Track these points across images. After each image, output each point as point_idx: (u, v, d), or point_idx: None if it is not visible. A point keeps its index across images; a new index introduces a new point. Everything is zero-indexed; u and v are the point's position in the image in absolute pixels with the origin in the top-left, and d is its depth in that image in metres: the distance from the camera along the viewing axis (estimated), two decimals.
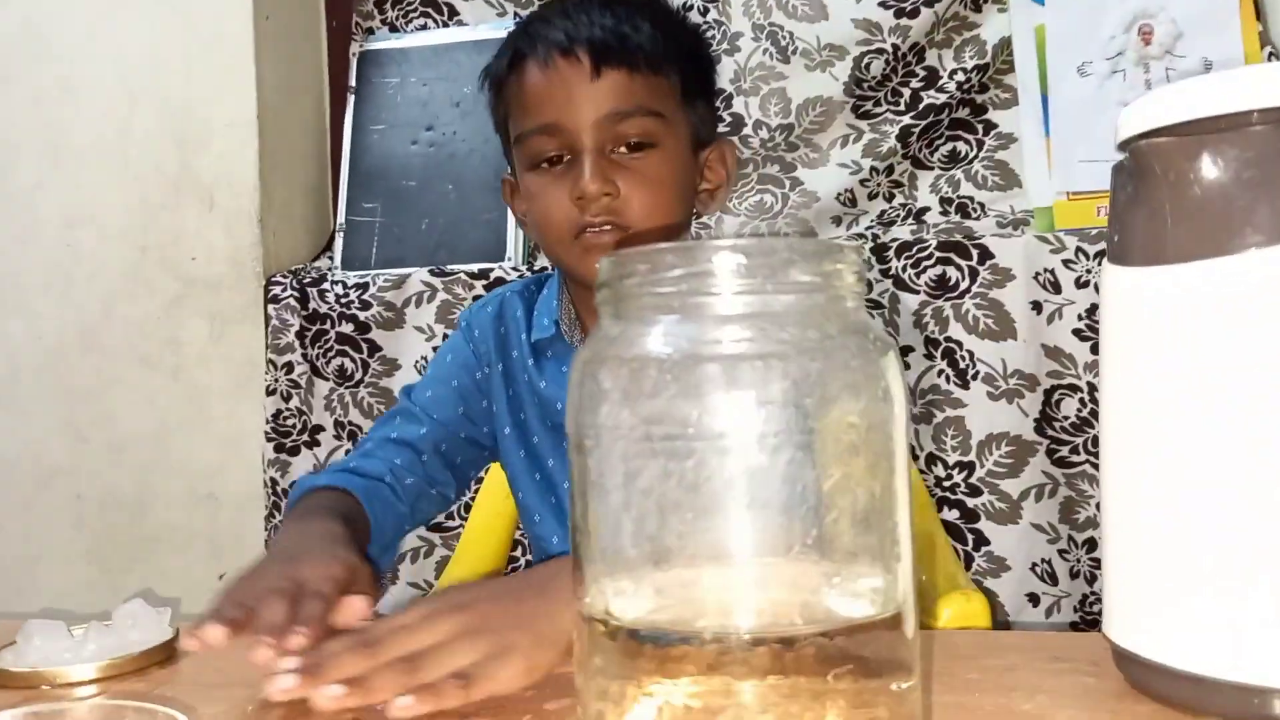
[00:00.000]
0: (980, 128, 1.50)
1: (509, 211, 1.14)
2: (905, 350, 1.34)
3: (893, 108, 1.52)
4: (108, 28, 1.57)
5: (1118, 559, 0.52)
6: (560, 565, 0.54)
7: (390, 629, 0.52)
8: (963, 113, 1.50)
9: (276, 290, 1.50)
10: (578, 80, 0.80)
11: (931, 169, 1.52)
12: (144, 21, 1.55)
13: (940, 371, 1.33)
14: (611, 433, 0.33)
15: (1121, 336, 0.51)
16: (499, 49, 0.89)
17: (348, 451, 1.31)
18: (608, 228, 0.81)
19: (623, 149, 0.82)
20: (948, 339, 1.32)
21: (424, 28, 1.67)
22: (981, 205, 1.47)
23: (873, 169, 1.50)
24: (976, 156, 1.50)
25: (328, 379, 1.49)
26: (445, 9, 1.67)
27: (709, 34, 1.56)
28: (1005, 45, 1.46)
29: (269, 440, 1.49)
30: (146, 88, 1.56)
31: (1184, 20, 1.39)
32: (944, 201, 1.49)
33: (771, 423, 0.31)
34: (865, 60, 1.50)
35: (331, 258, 1.59)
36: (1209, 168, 0.46)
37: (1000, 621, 1.29)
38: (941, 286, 1.32)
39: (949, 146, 1.51)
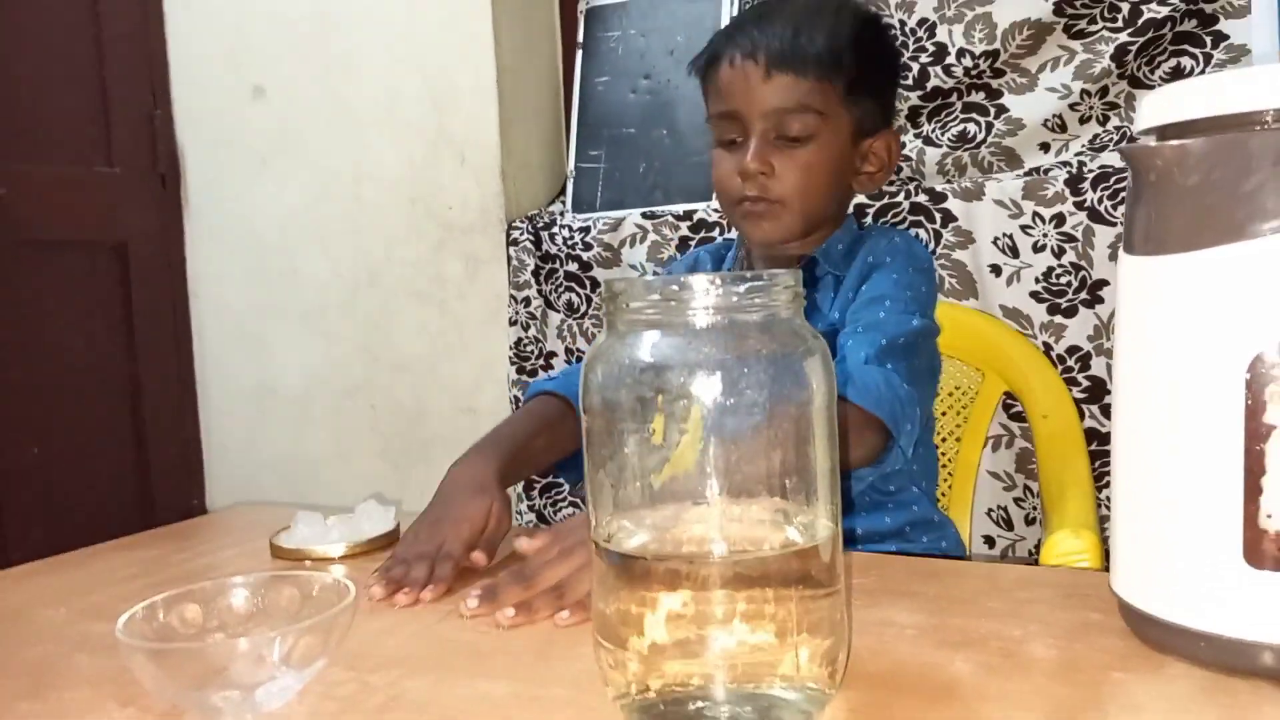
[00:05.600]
0: (1209, 40, 1.41)
1: None
2: (1099, 284, 1.32)
3: (1109, 25, 1.46)
4: (378, 8, 1.83)
5: (1122, 518, 0.58)
6: None
7: (537, 566, 0.70)
8: (1189, 25, 1.41)
9: (516, 234, 1.72)
10: (753, 79, 0.95)
11: (1151, 88, 1.44)
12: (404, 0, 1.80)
13: None
14: (599, 414, 0.46)
15: (1127, 318, 0.56)
16: (708, 42, 1.02)
17: None
18: (761, 201, 0.96)
19: (785, 138, 0.96)
20: None
21: None
22: None
23: (1084, 92, 1.46)
24: (1203, 72, 1.41)
25: (559, 311, 1.70)
26: None
27: None
28: None
29: (512, 364, 1.73)
30: (408, 57, 1.81)
31: None
32: None
33: (699, 411, 0.43)
34: None
35: (564, 202, 1.79)
36: (1183, 170, 0.50)
37: None
38: None
39: (1172, 63, 1.43)
